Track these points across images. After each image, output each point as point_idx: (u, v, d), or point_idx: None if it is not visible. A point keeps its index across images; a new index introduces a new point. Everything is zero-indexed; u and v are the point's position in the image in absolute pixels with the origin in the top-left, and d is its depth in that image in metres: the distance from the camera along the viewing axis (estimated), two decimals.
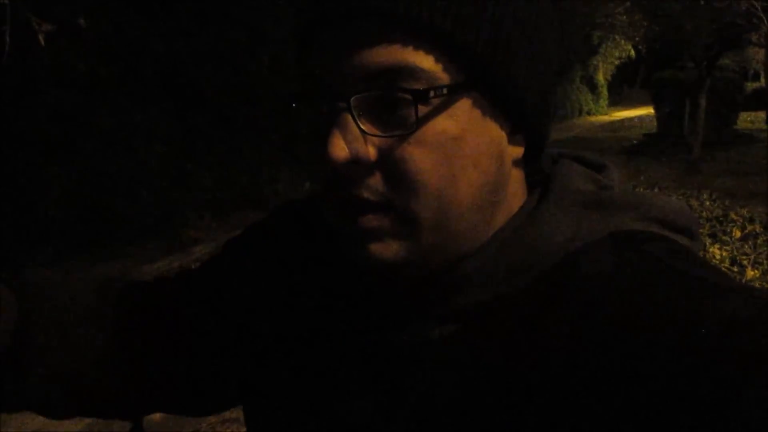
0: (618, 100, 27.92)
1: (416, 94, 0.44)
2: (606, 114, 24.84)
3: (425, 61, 0.44)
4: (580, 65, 22.80)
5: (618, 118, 22.26)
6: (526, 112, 0.49)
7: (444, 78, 0.45)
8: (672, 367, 0.39)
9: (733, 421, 0.36)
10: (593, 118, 23.21)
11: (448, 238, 0.47)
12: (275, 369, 0.57)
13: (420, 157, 0.45)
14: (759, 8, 8.21)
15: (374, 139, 0.45)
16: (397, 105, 0.44)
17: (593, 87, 24.92)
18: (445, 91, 0.44)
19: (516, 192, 0.52)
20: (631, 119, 21.14)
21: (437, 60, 0.44)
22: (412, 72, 0.44)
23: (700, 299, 0.41)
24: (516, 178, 0.52)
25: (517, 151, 0.51)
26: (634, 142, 14.39)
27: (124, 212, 6.33)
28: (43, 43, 2.62)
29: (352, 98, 0.45)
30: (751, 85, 20.94)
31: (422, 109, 0.44)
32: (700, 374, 0.38)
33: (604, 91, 26.04)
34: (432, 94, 0.44)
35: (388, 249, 0.47)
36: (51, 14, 2.88)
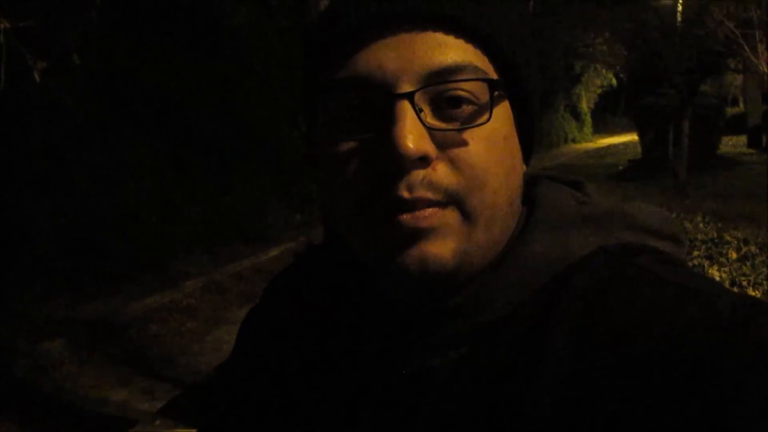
0: (602, 127, 28.28)
1: (492, 84, 0.46)
2: (591, 141, 25.16)
3: (481, 63, 0.47)
4: (564, 94, 23.14)
5: (603, 145, 22.56)
6: (532, 130, 0.53)
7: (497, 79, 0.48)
8: (667, 377, 0.39)
9: (732, 426, 0.37)
10: (578, 146, 23.49)
11: (491, 239, 0.48)
12: (281, 409, 0.57)
13: (485, 151, 0.46)
14: (738, 35, 8.41)
15: (436, 134, 0.45)
16: (459, 100, 0.46)
17: (577, 115, 25.27)
18: (503, 89, 0.48)
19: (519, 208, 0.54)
20: (615, 146, 21.42)
21: (488, 65, 0.48)
22: (473, 70, 0.46)
23: (691, 308, 0.42)
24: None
25: (524, 168, 0.53)
26: (620, 168, 14.55)
27: (113, 247, 6.26)
28: (38, 79, 2.63)
29: (417, 92, 0.45)
30: (731, 111, 21.34)
31: (488, 105, 0.46)
32: (696, 382, 0.38)
33: (588, 119, 26.41)
34: (500, 87, 0.47)
35: (448, 248, 0.46)
36: (45, 51, 2.88)
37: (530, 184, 0.56)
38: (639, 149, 15.43)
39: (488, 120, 0.46)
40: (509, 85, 0.49)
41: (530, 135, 0.53)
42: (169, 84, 7.44)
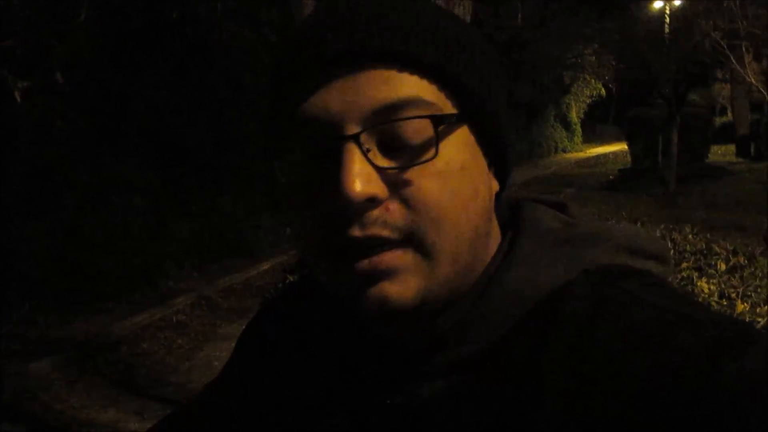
0: (592, 136, 28.44)
1: (435, 120, 0.45)
2: (581, 151, 25.28)
3: (429, 94, 0.46)
4: (554, 105, 23.28)
5: (593, 155, 22.67)
6: (503, 147, 0.52)
7: (446, 109, 0.46)
8: (657, 407, 0.39)
9: None
10: (569, 155, 23.60)
11: (459, 270, 0.47)
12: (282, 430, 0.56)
13: (437, 187, 0.45)
14: (725, 46, 8.50)
15: (386, 173, 0.45)
16: (406, 137, 0.45)
17: (567, 125, 25.40)
18: (453, 119, 0.46)
19: (495, 228, 0.53)
20: (605, 155, 21.53)
21: (437, 93, 0.46)
22: (419, 104, 0.45)
23: (678, 336, 0.41)
24: (494, 214, 0.53)
25: (496, 186, 0.53)
26: (611, 177, 14.62)
27: (103, 266, 6.21)
28: (19, 100, 2.61)
29: (362, 133, 0.44)
30: (719, 120, 21.51)
31: (434, 140, 0.45)
32: (684, 411, 0.38)
33: (578, 129, 26.54)
34: (446, 120, 0.45)
35: (408, 287, 0.45)
36: (28, 71, 2.86)
37: (514, 208, 0.55)
38: (628, 158, 15.51)
39: (437, 156, 0.45)
40: (467, 110, 0.48)
41: (501, 154, 0.52)
42: (157, 100, 7.43)
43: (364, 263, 0.44)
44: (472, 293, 0.49)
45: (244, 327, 0.68)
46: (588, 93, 24.66)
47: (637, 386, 0.40)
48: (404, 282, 0.45)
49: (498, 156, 0.52)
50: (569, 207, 0.57)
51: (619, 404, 0.41)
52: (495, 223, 0.53)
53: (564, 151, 24.56)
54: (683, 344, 0.41)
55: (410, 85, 0.45)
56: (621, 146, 19.74)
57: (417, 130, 0.45)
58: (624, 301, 0.45)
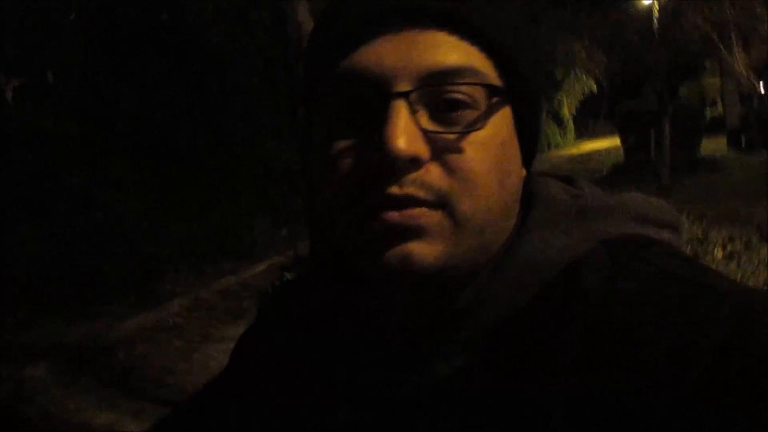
0: (584, 132, 28.46)
1: (490, 90, 0.45)
2: (574, 147, 25.29)
3: (482, 66, 0.46)
4: (546, 101, 23.32)
5: (586, 150, 22.68)
6: (536, 133, 0.52)
7: (495, 82, 0.46)
8: (677, 380, 0.39)
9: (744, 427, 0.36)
10: (562, 152, 23.62)
11: (482, 244, 0.47)
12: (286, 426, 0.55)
13: (480, 157, 0.45)
14: (715, 36, 8.54)
15: (430, 137, 0.44)
16: (456, 103, 0.45)
17: (559, 121, 25.43)
18: (503, 93, 0.46)
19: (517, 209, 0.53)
20: (598, 151, 21.55)
21: (489, 67, 0.46)
22: (474, 73, 0.45)
23: (701, 307, 0.41)
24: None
25: (523, 171, 0.52)
26: (604, 172, 14.65)
27: (98, 270, 6.17)
28: (10, 99, 2.58)
29: (413, 93, 0.44)
30: (710, 113, 21.61)
31: (485, 110, 0.45)
32: (705, 381, 0.38)
33: (571, 125, 26.56)
34: (500, 92, 0.46)
35: (433, 250, 0.45)
36: (19, 70, 2.84)
37: (525, 183, 0.55)
38: (621, 154, 15.56)
39: (484, 126, 0.45)
40: (511, 88, 0.48)
41: (532, 138, 0.52)
42: (149, 101, 7.41)
43: (395, 215, 0.44)
44: (487, 268, 0.49)
45: (243, 330, 0.67)
46: (579, 89, 24.69)
47: (658, 358, 0.40)
48: (430, 244, 0.44)
49: (528, 142, 0.52)
50: (578, 180, 0.56)
51: (639, 376, 0.40)
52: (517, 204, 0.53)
53: (557, 147, 24.59)
54: (705, 315, 0.41)
55: (466, 54, 0.45)
56: (613, 141, 19.77)
57: (470, 97, 0.45)
58: (645, 271, 0.45)
